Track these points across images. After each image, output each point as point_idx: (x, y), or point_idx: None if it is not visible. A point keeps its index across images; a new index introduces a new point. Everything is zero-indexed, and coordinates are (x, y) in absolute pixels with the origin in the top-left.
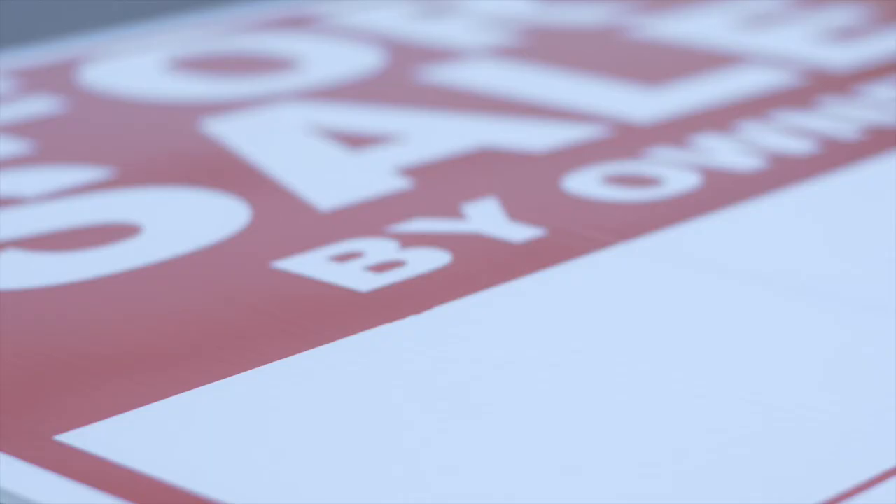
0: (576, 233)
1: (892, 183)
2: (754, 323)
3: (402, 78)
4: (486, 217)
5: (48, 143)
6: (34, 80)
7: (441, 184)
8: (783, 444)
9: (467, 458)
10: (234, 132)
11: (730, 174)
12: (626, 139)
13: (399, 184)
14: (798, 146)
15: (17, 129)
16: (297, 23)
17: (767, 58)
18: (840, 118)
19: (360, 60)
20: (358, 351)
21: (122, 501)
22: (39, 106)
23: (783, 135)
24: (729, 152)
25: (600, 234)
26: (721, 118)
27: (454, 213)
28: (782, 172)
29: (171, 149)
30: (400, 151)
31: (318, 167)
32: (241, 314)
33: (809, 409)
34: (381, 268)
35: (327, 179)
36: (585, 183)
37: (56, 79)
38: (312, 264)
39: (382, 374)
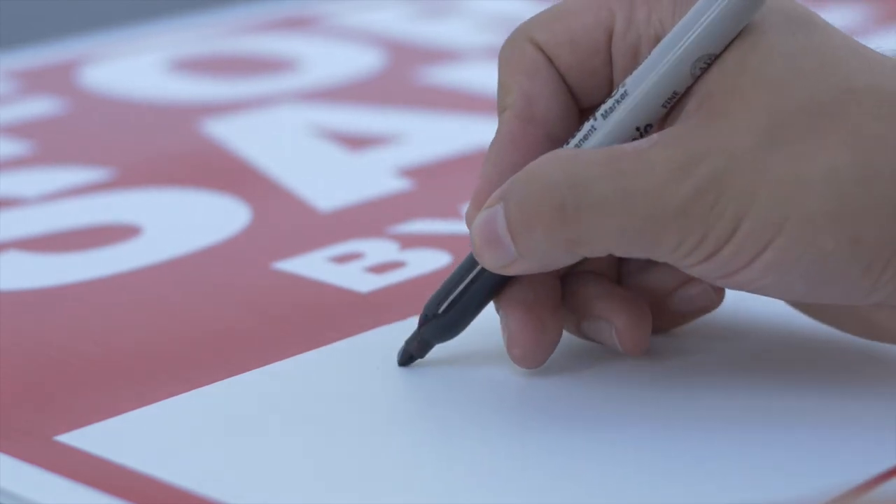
0: None
1: None
2: (754, 322)
3: (402, 78)
4: None
5: (48, 143)
6: (34, 80)
7: (441, 184)
8: (784, 444)
9: (466, 457)
10: (234, 133)
11: None
12: None
13: (399, 184)
14: None
15: (17, 129)
16: (297, 23)
17: None
18: None
19: (360, 61)
20: (358, 351)
21: (122, 501)
22: (39, 106)
23: None
24: None
25: None
26: None
27: (454, 213)
28: None
29: (171, 149)
30: (400, 152)
31: (318, 168)
32: (241, 314)
33: (810, 408)
34: (381, 268)
35: (327, 180)
36: None
37: (56, 79)
38: (312, 265)
39: (383, 374)
